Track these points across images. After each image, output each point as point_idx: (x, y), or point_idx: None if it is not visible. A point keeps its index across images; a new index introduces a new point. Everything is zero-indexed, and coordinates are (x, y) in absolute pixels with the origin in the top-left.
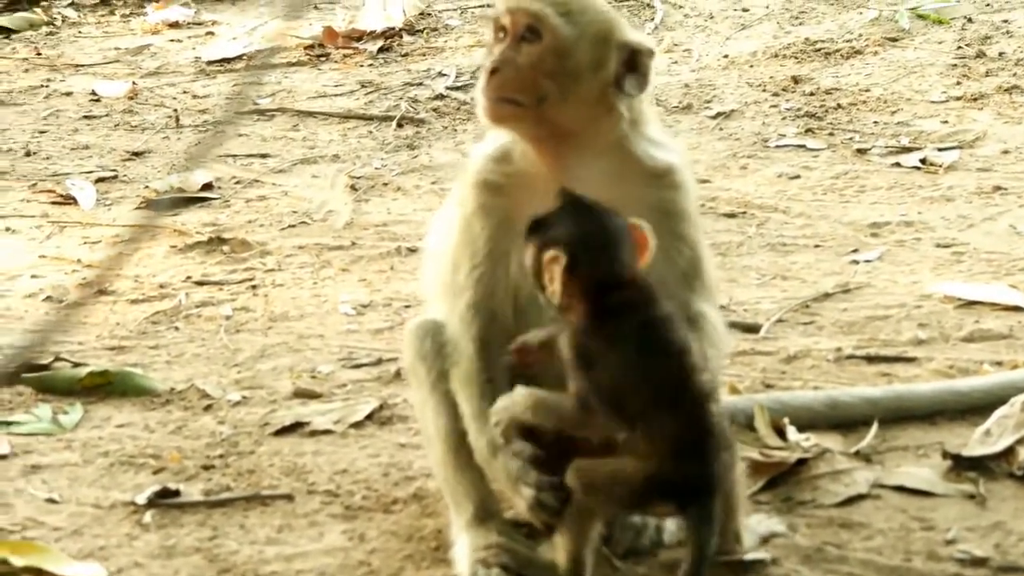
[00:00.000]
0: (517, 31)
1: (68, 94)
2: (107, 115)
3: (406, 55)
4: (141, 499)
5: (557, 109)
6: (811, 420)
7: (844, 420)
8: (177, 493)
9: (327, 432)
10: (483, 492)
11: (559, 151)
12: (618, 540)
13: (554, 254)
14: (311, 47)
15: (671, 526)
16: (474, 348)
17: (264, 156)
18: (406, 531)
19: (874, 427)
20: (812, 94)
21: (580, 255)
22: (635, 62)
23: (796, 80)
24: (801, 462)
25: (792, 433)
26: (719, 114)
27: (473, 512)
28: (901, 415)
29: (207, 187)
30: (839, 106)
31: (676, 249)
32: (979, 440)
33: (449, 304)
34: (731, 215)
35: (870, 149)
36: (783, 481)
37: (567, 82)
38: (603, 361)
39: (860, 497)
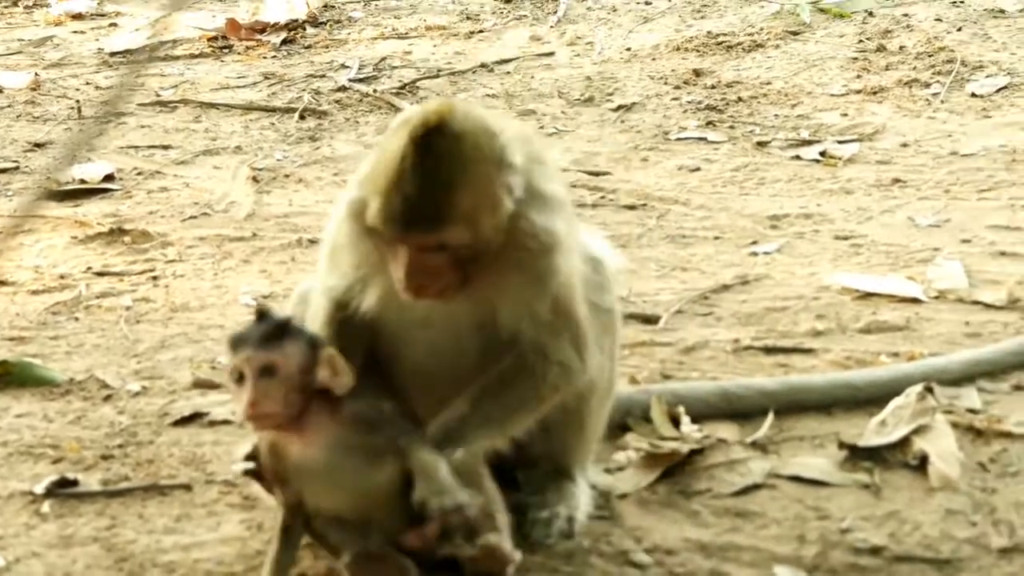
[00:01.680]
0: None
1: None
2: (9, 106)
3: (309, 47)
4: (39, 489)
5: None
6: (707, 411)
7: (740, 411)
8: (75, 483)
9: (226, 422)
10: None
11: None
12: (527, 532)
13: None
14: (214, 39)
15: (582, 517)
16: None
17: (166, 147)
18: None
19: (770, 417)
20: (713, 87)
21: None
22: None
23: (698, 73)
24: (697, 452)
25: (685, 424)
26: (621, 107)
27: None
28: (797, 406)
29: (108, 178)
30: (740, 99)
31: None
32: (875, 430)
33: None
34: (631, 207)
35: (770, 142)
36: (679, 471)
37: None
38: None
39: (756, 487)
